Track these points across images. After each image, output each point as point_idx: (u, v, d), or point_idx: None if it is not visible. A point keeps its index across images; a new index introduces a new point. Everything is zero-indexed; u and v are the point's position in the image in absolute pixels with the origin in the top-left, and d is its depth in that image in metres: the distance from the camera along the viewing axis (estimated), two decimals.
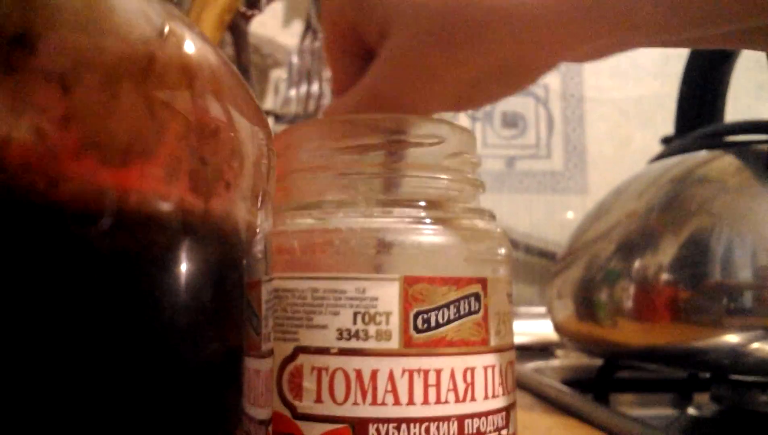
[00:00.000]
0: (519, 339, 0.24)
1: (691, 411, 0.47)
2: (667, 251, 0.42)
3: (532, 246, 0.74)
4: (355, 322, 0.19)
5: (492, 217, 0.24)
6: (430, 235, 0.20)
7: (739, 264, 0.38)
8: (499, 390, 0.21)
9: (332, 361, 0.19)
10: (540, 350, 0.64)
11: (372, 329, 0.19)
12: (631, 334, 0.42)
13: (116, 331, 0.11)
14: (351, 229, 0.20)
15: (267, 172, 0.15)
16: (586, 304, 0.46)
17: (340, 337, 0.19)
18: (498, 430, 0.20)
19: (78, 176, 0.10)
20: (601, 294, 0.46)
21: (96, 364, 0.11)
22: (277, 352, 0.20)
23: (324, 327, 0.20)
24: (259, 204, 0.14)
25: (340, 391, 0.19)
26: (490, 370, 0.21)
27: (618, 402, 0.48)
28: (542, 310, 0.66)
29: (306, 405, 0.19)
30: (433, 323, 0.20)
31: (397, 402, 0.19)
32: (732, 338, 0.37)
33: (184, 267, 0.12)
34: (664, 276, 0.41)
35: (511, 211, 0.76)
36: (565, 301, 0.50)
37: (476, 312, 0.21)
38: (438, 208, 0.21)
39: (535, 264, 0.73)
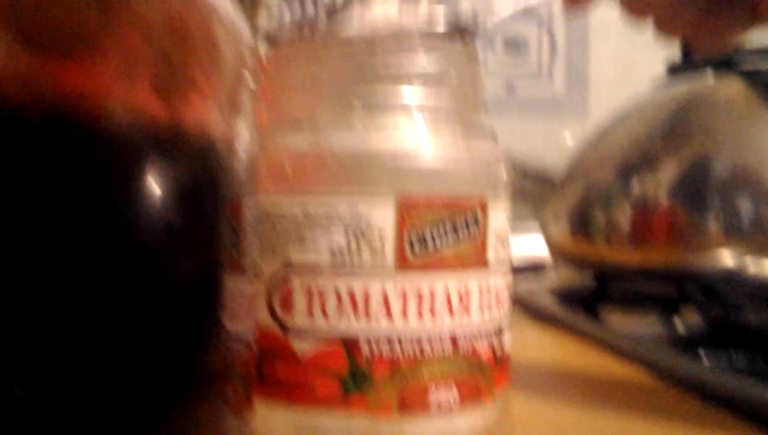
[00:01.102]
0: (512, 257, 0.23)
1: (680, 327, 0.47)
2: (667, 173, 0.41)
3: (529, 170, 0.72)
4: (347, 239, 0.18)
5: (494, 136, 0.22)
6: (428, 153, 0.19)
7: (739, 188, 0.37)
8: (494, 309, 0.20)
9: (324, 280, 0.18)
10: (532, 269, 0.63)
11: (365, 248, 0.18)
12: (626, 254, 0.41)
13: (71, 251, 0.10)
14: (344, 148, 0.19)
15: (248, 81, 0.13)
16: (583, 224, 0.45)
17: (332, 255, 0.18)
18: (491, 345, 0.20)
19: (13, 73, 0.09)
20: (598, 214, 0.44)
21: (60, 285, 0.10)
22: (267, 269, 0.19)
23: (315, 244, 0.18)
24: (238, 114, 0.13)
25: (332, 310, 0.18)
26: (485, 288, 0.20)
27: (608, 319, 0.48)
28: (535, 229, 0.65)
29: (297, 322, 0.18)
30: (429, 243, 0.19)
31: (390, 317, 0.18)
32: (727, 261, 0.36)
33: (148, 183, 0.10)
34: (663, 197, 0.40)
35: (510, 136, 0.73)
36: (561, 221, 0.49)
37: (474, 232, 0.19)
38: (437, 123, 0.20)
39: (531, 188, 0.72)
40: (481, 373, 0.19)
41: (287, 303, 0.18)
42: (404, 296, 0.18)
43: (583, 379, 0.33)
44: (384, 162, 0.19)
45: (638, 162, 0.43)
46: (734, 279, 0.37)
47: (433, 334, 0.18)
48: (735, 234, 0.36)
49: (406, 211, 0.18)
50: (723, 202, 0.37)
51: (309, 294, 0.18)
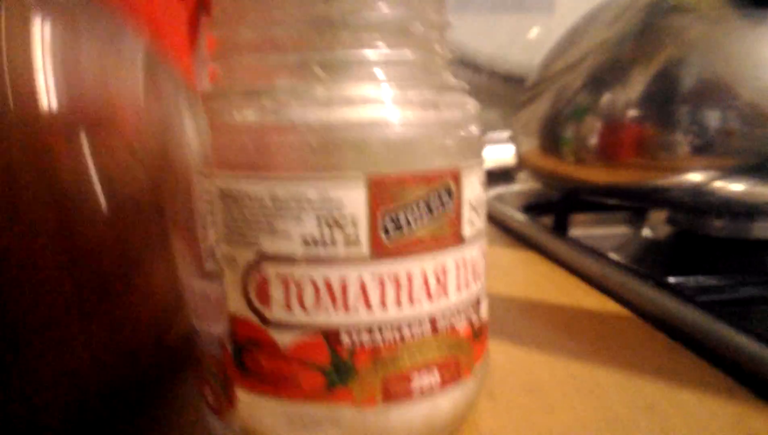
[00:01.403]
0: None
1: (646, 232, 0.48)
2: (635, 87, 0.40)
3: (496, 70, 0.71)
4: (320, 228, 0.17)
5: (464, 90, 0.21)
6: (396, 126, 0.18)
7: (708, 103, 0.37)
8: (471, 282, 0.20)
9: (299, 271, 0.18)
10: (502, 175, 0.63)
11: (339, 234, 0.18)
12: (594, 171, 0.41)
13: None
14: (308, 124, 0.17)
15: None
16: (551, 140, 0.45)
17: (305, 245, 0.18)
18: (470, 320, 0.20)
19: None
20: (566, 130, 0.44)
21: None
22: (241, 259, 0.18)
23: (287, 234, 0.18)
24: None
25: (309, 300, 0.18)
26: (461, 264, 0.19)
27: (576, 222, 0.49)
28: (505, 135, 0.64)
29: (275, 314, 0.18)
30: (403, 224, 0.18)
31: (368, 307, 0.18)
32: (695, 177, 0.36)
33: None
34: (631, 113, 0.39)
35: (475, 33, 0.71)
36: (530, 135, 0.48)
37: (448, 206, 0.19)
38: (405, 89, 0.18)
39: (499, 88, 0.70)
40: (461, 350, 0.19)
41: (264, 295, 0.18)
42: (382, 284, 0.18)
43: (551, 307, 0.34)
44: (352, 138, 0.17)
45: (605, 74, 0.42)
46: (700, 194, 0.37)
47: (413, 320, 0.18)
48: (703, 151, 0.36)
49: (378, 193, 0.18)
50: (692, 117, 0.37)
51: (285, 285, 0.18)
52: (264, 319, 0.18)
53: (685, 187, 0.37)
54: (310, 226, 0.17)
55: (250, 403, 0.18)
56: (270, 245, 0.18)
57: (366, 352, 0.18)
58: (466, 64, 0.71)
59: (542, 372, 0.26)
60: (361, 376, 0.18)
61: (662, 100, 0.38)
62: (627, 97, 0.40)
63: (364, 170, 0.17)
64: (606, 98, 0.41)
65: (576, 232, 0.46)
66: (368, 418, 0.18)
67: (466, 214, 0.19)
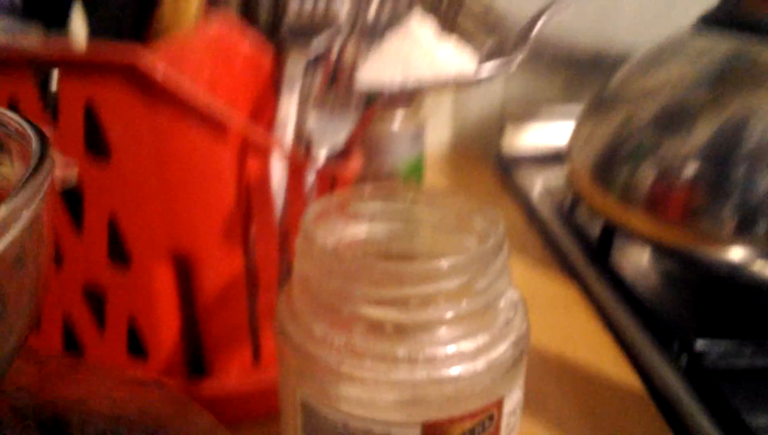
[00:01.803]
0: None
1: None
2: (696, 144, 0.40)
3: (559, 49, 0.68)
4: None
5: (509, 324, 0.23)
6: (451, 383, 0.21)
7: (762, 181, 0.37)
8: None
9: None
10: (553, 158, 0.63)
11: None
12: (636, 216, 0.42)
13: None
14: (378, 381, 0.20)
15: None
16: (604, 172, 0.45)
17: None
18: None
19: None
20: (620, 164, 0.44)
21: None
22: None
23: None
24: None
25: None
26: None
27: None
28: (565, 109, 0.63)
29: None
30: None
31: None
32: (735, 256, 0.38)
33: None
34: (688, 171, 0.40)
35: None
36: (586, 153, 0.48)
37: (489, 428, 0.22)
38: (460, 342, 0.21)
39: (564, 57, 0.68)
40: None
41: None
42: None
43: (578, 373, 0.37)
44: (415, 395, 0.21)
45: (670, 118, 0.42)
46: (737, 274, 0.38)
47: None
48: (749, 230, 0.37)
49: (431, 431, 0.21)
50: (744, 191, 0.37)
51: None
52: None
53: (723, 266, 0.38)
54: None
55: None
56: None
57: None
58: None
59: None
60: None
61: (718, 163, 0.38)
62: (683, 151, 0.40)
63: (420, 419, 0.21)
64: (664, 146, 0.41)
65: (620, 257, 0.48)
66: None
67: (505, 424, 0.23)
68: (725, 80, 0.41)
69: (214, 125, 0.27)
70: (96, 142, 0.27)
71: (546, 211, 0.57)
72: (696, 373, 0.36)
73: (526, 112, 0.68)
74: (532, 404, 0.34)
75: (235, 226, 0.29)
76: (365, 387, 0.21)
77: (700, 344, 0.36)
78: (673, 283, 0.46)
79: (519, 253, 0.51)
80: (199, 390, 0.31)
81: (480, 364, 0.21)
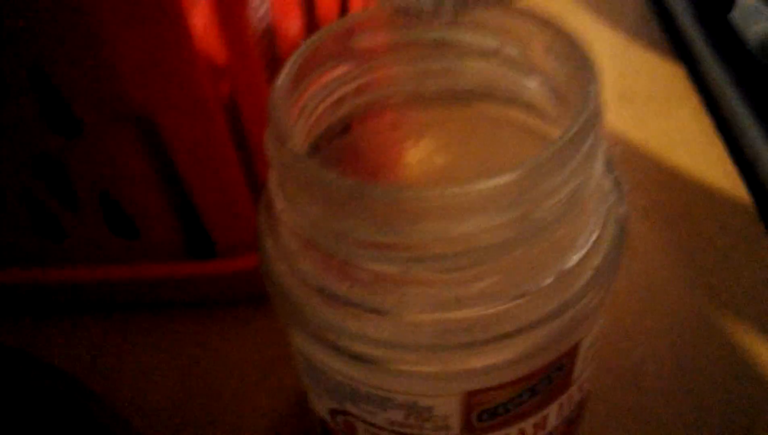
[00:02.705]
0: None
1: None
2: None
3: None
4: (407, 419, 0.16)
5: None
6: (507, 346, 0.14)
7: None
8: (575, 406, 0.18)
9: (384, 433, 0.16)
10: None
11: (427, 425, 0.16)
12: None
13: None
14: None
15: None
16: None
17: (390, 423, 0.16)
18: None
19: None
20: None
21: None
22: (320, 406, 0.17)
23: (372, 413, 0.16)
24: None
25: None
26: (566, 401, 0.17)
27: None
28: None
29: None
30: (501, 412, 0.16)
31: None
32: None
33: None
34: None
35: None
36: None
37: (557, 379, 0.16)
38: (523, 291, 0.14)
39: None
40: None
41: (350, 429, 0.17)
42: None
43: None
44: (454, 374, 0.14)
45: None
46: None
47: None
48: None
49: (474, 400, 0.15)
50: None
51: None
52: None
53: None
54: (396, 415, 0.16)
55: None
56: (354, 410, 0.16)
57: None
58: None
59: None
60: None
61: None
62: None
63: (460, 389, 0.14)
64: None
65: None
66: None
67: (579, 365, 0.16)
68: None
69: None
70: None
71: None
72: None
73: None
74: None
75: (200, 72, 0.20)
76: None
77: None
78: None
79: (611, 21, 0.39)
80: (203, 270, 0.25)
81: (549, 319, 0.14)
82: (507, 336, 0.14)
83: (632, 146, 0.32)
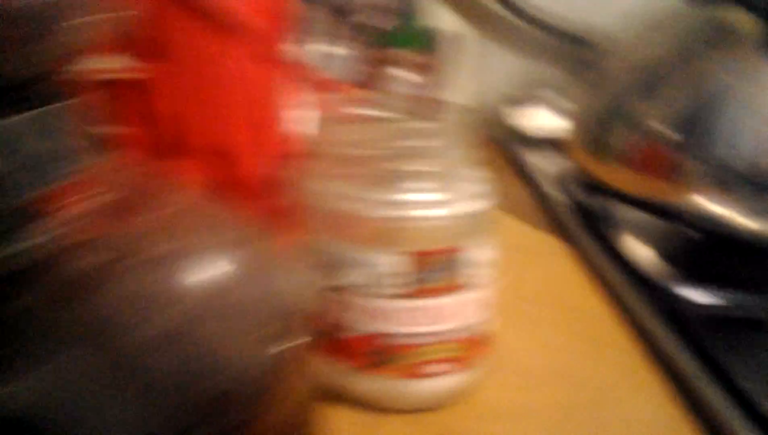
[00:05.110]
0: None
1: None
2: (677, 108, 0.44)
3: (565, 32, 0.75)
4: (371, 279, 0.27)
5: (479, 182, 0.28)
6: (437, 220, 0.27)
7: (738, 140, 0.41)
8: (477, 312, 0.29)
9: (359, 300, 0.27)
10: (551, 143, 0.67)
11: (387, 281, 0.27)
12: (621, 177, 0.47)
13: None
14: (372, 217, 0.27)
15: None
16: (597, 136, 0.50)
17: (361, 287, 0.27)
18: (472, 334, 0.29)
19: None
20: (610, 131, 0.49)
21: None
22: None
23: (347, 277, 0.27)
24: None
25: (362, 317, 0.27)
26: (462, 302, 0.28)
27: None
28: (564, 103, 0.68)
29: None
30: (427, 279, 0.27)
31: (406, 325, 0.27)
32: (715, 209, 0.42)
33: None
34: (670, 132, 0.44)
35: None
36: (582, 130, 0.53)
37: (453, 268, 0.27)
38: (440, 191, 0.27)
39: (565, 47, 0.75)
40: (468, 351, 0.29)
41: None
42: (414, 312, 0.27)
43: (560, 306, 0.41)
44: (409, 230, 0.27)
45: (653, 91, 0.46)
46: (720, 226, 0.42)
47: (431, 333, 0.28)
48: (728, 184, 0.41)
49: (418, 259, 0.26)
50: (723, 149, 0.41)
51: (353, 307, 0.27)
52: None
53: (705, 217, 0.42)
54: (364, 277, 0.27)
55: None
56: (332, 282, 0.27)
57: (403, 347, 0.28)
58: (532, 22, 0.75)
59: (533, 359, 0.34)
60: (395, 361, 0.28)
61: (699, 129, 0.42)
62: (668, 116, 0.44)
63: (411, 249, 0.27)
64: (643, 109, 0.46)
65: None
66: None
67: (466, 272, 0.28)
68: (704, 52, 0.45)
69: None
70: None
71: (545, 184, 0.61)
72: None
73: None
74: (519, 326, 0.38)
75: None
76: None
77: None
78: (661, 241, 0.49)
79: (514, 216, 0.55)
80: None
81: (443, 213, 0.27)
82: None
83: None
